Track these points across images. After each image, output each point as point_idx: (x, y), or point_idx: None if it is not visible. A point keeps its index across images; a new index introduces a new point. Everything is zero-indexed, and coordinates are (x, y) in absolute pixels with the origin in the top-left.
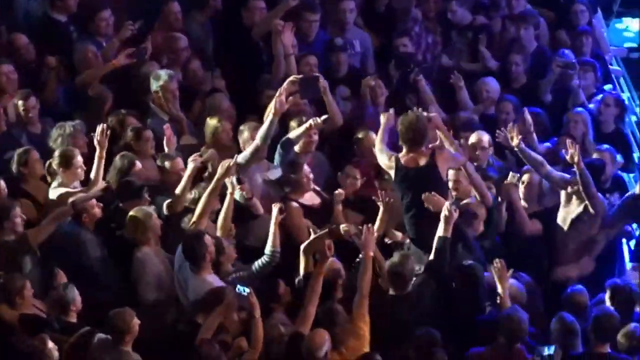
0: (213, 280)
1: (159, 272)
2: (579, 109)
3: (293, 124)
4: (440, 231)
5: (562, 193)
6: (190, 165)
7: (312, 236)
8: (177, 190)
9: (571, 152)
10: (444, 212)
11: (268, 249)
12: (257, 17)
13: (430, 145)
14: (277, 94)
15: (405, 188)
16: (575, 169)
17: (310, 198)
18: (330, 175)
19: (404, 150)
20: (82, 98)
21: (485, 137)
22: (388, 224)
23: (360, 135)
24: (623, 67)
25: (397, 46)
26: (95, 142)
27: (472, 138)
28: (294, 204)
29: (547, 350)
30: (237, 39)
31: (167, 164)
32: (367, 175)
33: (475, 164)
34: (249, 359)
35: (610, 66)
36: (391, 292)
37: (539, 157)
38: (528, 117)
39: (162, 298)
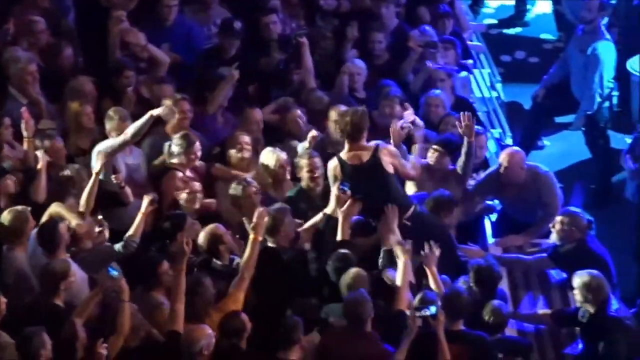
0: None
1: (24, 275)
2: (437, 91)
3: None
4: (327, 208)
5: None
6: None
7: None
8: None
9: (466, 124)
10: (334, 191)
11: (126, 237)
12: None
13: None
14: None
15: (355, 186)
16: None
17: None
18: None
19: (346, 147)
20: None
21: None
22: None
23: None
24: (483, 43)
25: (267, 24)
26: None
27: (333, 113)
28: (178, 172)
29: (430, 310)
30: (98, 17)
31: (47, 143)
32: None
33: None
34: (113, 345)
35: (470, 42)
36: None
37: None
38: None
39: (25, 301)
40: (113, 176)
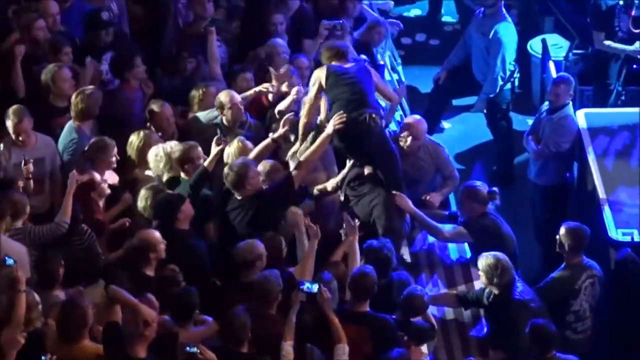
0: None
1: None
2: None
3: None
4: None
5: None
6: None
7: None
8: None
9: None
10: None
11: (57, 218)
12: None
13: None
14: None
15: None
16: None
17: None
18: None
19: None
20: None
21: (237, 96)
22: None
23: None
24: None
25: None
26: None
27: (223, 96)
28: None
29: (310, 287)
30: None
31: None
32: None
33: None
34: (8, 336)
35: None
36: None
37: None
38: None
39: None
40: (24, 166)
